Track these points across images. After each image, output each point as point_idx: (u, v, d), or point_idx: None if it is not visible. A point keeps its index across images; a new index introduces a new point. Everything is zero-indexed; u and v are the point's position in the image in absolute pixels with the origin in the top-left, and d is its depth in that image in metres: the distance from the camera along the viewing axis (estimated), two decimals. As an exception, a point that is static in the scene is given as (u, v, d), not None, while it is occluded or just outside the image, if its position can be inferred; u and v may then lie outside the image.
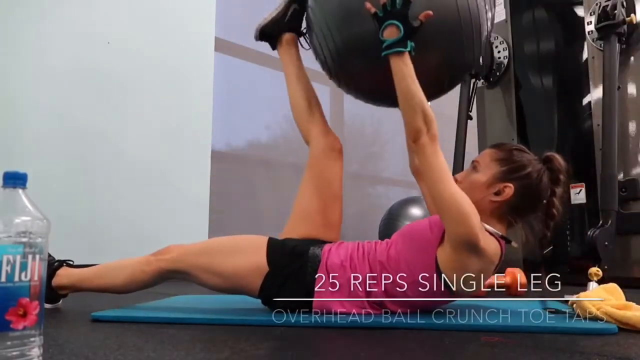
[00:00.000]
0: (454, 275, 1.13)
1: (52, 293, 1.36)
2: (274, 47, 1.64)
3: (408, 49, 1.14)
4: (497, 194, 1.21)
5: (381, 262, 1.20)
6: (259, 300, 1.28)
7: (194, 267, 1.28)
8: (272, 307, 1.20)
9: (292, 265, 1.23)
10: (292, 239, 1.35)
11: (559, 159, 1.26)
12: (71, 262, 1.43)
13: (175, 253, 1.31)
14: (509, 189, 1.20)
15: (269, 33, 1.61)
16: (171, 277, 1.33)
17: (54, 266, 1.37)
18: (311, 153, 1.52)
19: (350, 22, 1.30)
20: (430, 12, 1.14)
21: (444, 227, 1.15)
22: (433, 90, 1.34)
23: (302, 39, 1.61)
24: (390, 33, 1.15)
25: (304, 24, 1.58)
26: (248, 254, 1.27)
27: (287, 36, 1.59)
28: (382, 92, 1.38)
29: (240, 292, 1.29)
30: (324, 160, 1.49)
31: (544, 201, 1.24)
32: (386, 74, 1.17)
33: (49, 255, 1.39)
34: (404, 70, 1.15)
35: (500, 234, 1.19)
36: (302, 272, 1.22)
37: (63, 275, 1.37)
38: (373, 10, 1.16)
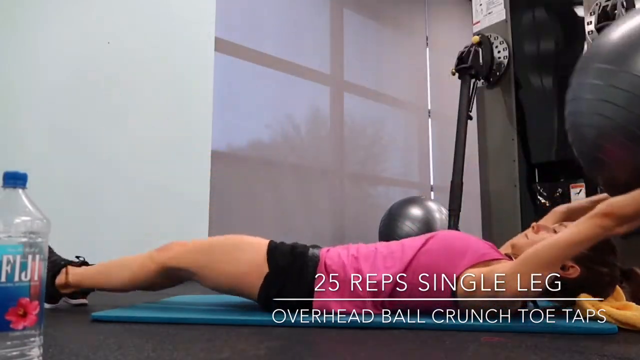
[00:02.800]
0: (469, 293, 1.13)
1: (54, 292, 1.36)
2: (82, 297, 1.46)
3: None
4: (562, 268, 1.14)
5: (412, 263, 1.20)
6: (258, 303, 1.28)
7: (195, 265, 1.29)
8: (272, 309, 1.20)
9: (292, 266, 1.24)
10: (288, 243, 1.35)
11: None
12: (82, 258, 1.45)
13: (176, 250, 1.31)
14: (574, 272, 1.15)
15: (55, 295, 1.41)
16: (173, 274, 1.34)
17: (60, 265, 1.38)
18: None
19: None
20: None
21: (488, 259, 1.16)
22: None
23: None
24: None
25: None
26: (248, 253, 1.27)
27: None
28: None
29: (239, 293, 1.29)
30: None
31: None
32: None
33: (55, 254, 1.40)
34: None
35: None
36: (302, 272, 1.22)
37: (69, 274, 1.38)
38: None
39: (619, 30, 1.16)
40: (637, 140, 1.06)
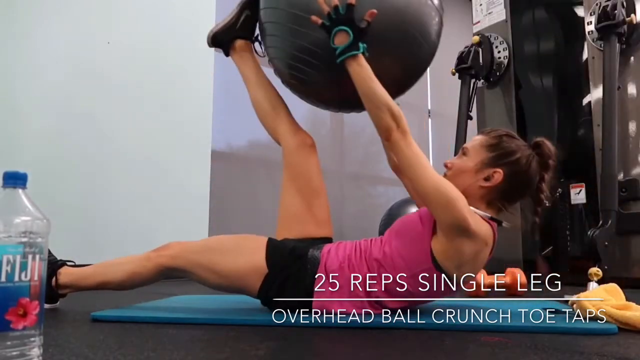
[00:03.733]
0: (452, 264, 1.14)
1: (52, 292, 1.35)
2: (227, 54, 1.64)
3: (361, 50, 1.16)
4: (486, 179, 1.22)
5: (377, 260, 1.20)
6: (259, 300, 1.28)
7: (194, 265, 1.28)
8: (272, 308, 1.20)
9: (291, 268, 1.23)
10: (291, 240, 1.34)
11: (548, 145, 1.28)
12: (72, 263, 1.43)
13: (175, 250, 1.31)
14: (498, 175, 1.22)
15: (221, 40, 1.61)
16: (171, 274, 1.33)
17: (56, 265, 1.37)
18: (283, 153, 1.51)
19: (299, 32, 1.29)
20: (375, 11, 1.16)
21: (434, 218, 1.16)
22: (395, 89, 1.32)
23: (256, 44, 1.60)
24: (341, 39, 1.17)
25: (257, 31, 1.57)
26: (247, 254, 1.27)
27: (239, 42, 1.60)
28: (344, 99, 1.39)
29: (239, 292, 1.29)
30: (297, 158, 1.48)
31: (534, 187, 1.25)
32: (344, 80, 1.18)
33: (51, 255, 1.39)
34: (362, 72, 1.17)
35: (490, 215, 1.21)
36: (301, 274, 1.22)
37: (64, 274, 1.36)
38: (320, 21, 1.18)
39: None
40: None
